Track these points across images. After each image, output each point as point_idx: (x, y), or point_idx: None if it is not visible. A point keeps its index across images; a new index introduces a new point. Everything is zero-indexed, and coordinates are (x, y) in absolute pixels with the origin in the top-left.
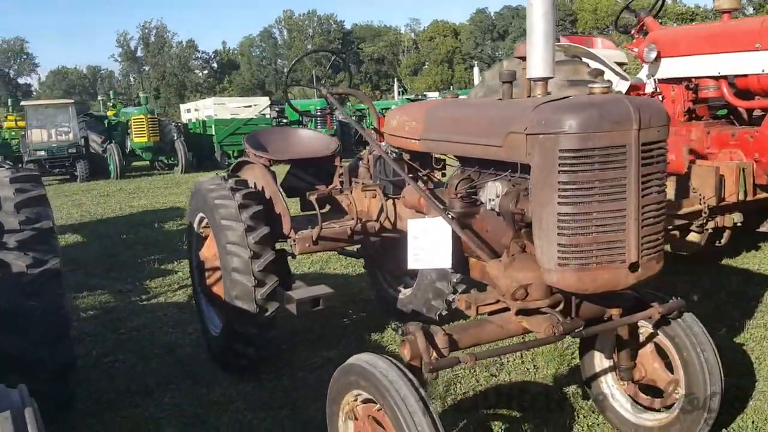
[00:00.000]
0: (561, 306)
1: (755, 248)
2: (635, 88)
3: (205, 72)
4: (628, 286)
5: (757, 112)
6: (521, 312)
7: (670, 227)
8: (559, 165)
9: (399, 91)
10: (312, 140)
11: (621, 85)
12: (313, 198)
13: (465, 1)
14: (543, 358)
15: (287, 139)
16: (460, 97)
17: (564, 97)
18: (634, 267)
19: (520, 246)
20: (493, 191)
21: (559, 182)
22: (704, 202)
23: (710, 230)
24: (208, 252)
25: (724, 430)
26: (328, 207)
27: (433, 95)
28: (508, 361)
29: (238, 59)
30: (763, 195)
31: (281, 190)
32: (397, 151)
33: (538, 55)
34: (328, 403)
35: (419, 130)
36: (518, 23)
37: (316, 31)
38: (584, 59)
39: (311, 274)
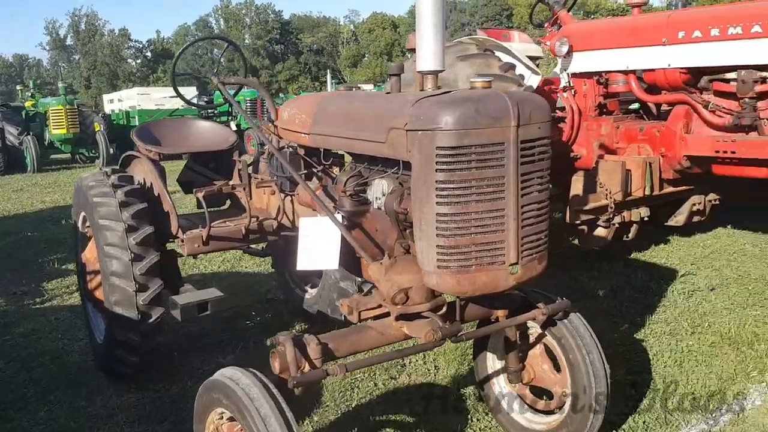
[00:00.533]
0: (444, 309)
1: (664, 242)
2: (550, 83)
3: (139, 61)
4: (509, 287)
5: (665, 107)
6: (402, 317)
7: (577, 222)
8: (436, 163)
9: (333, 83)
10: (209, 132)
11: (533, 80)
12: (200, 195)
13: None
14: (445, 358)
15: (181, 132)
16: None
17: (445, 92)
18: (514, 268)
19: (405, 247)
20: (379, 189)
21: (436, 181)
22: (610, 197)
23: (617, 225)
24: (90, 254)
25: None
26: (228, 204)
27: (368, 87)
28: (410, 362)
29: (173, 48)
30: (671, 189)
31: (179, 186)
32: (294, 145)
33: (427, 47)
34: (194, 421)
35: (308, 123)
36: (455, 16)
37: (254, 21)
38: (497, 53)
39: (221, 273)
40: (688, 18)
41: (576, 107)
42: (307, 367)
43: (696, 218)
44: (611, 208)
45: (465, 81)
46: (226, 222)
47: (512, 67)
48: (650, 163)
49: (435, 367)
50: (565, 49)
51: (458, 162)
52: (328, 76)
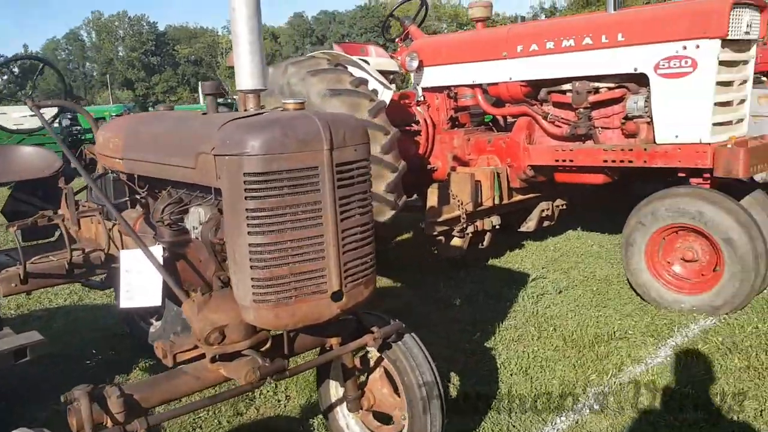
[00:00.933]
0: (268, 344)
1: (519, 247)
2: (406, 96)
3: (5, 78)
4: (333, 316)
5: (511, 119)
6: (220, 357)
7: (434, 233)
8: (245, 190)
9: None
10: (32, 158)
11: (385, 94)
12: (12, 229)
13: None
14: (296, 386)
15: (1, 159)
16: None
17: (254, 114)
18: (337, 296)
19: (224, 280)
20: (196, 218)
21: (247, 209)
22: (462, 208)
23: (471, 234)
24: None
25: None
26: (57, 234)
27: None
28: (259, 394)
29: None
30: (520, 197)
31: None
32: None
33: (244, 65)
34: None
35: (121, 147)
36: (335, 28)
37: (127, 33)
38: (350, 68)
39: (66, 307)
40: (526, 32)
41: (430, 120)
42: (109, 423)
43: (546, 223)
44: (464, 218)
45: (316, 96)
46: (49, 256)
47: (364, 82)
48: (498, 174)
49: (286, 396)
50: (415, 64)
51: (268, 188)
52: (199, 88)
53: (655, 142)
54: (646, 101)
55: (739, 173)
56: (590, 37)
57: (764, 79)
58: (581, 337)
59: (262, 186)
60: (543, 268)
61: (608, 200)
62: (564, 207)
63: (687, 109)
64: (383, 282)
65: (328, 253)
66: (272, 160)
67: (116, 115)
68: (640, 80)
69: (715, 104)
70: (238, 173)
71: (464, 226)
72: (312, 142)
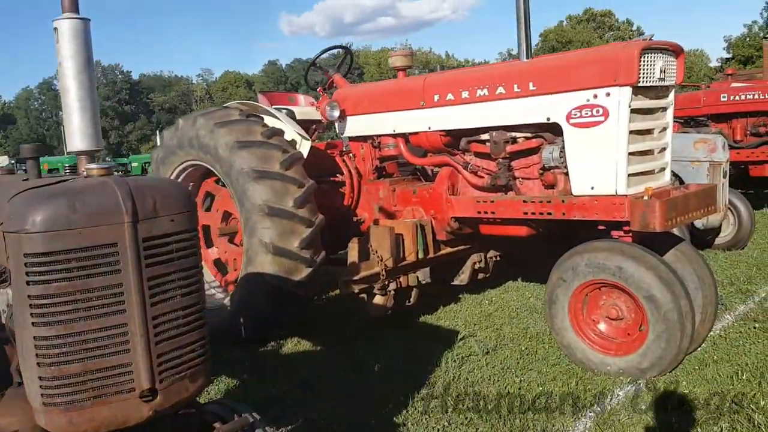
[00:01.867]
0: None
1: (453, 301)
2: (333, 146)
3: None
4: (145, 418)
5: (437, 169)
6: None
7: (355, 291)
8: (26, 273)
9: None
10: None
11: (304, 146)
12: None
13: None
14: None
15: None
16: None
17: (46, 184)
18: (149, 395)
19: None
20: (3, 301)
21: (29, 296)
22: (382, 264)
23: (393, 291)
24: None
25: None
26: None
27: None
28: None
29: (15, 112)
30: (448, 250)
31: None
32: None
33: (74, 123)
34: None
35: None
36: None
37: (101, 82)
38: (267, 118)
39: None
40: (441, 81)
41: (355, 171)
42: None
43: (481, 275)
44: (383, 275)
45: (224, 149)
46: None
47: (279, 132)
48: (422, 226)
49: None
50: (336, 113)
51: (53, 271)
52: (157, 137)
53: (572, 194)
54: (561, 151)
55: (656, 227)
56: (503, 86)
57: (710, 122)
58: (498, 408)
59: (44, 268)
60: (475, 324)
61: (553, 248)
62: (498, 258)
63: (601, 160)
64: (302, 346)
65: (134, 345)
66: (55, 237)
67: (69, 167)
68: (556, 130)
69: (631, 154)
70: (19, 253)
71: (385, 283)
72: (108, 215)
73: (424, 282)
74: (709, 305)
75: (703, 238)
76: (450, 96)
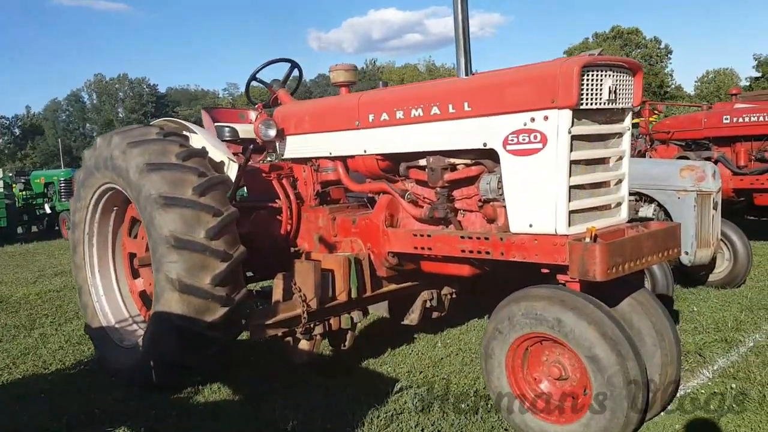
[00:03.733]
0: None
1: (404, 343)
2: (277, 168)
3: (6, 138)
4: None
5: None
6: None
7: (278, 334)
8: None
9: None
10: None
11: (231, 168)
12: None
13: (285, 69)
14: None
15: None
16: None
17: None
18: None
19: None
20: None
21: None
22: (304, 304)
23: (319, 336)
24: None
25: None
26: None
27: None
28: None
29: (43, 124)
30: (392, 286)
31: None
32: None
33: None
34: None
35: None
36: (333, 91)
37: (128, 95)
38: (193, 137)
39: None
40: (377, 99)
41: (294, 196)
42: None
43: (435, 314)
44: (304, 317)
45: (135, 172)
46: None
47: (199, 154)
48: (356, 261)
49: None
50: (272, 132)
51: None
52: None
53: (510, 231)
54: (499, 182)
55: (596, 275)
56: (437, 106)
57: (712, 146)
58: None
59: None
60: (420, 372)
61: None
62: (453, 295)
63: (539, 193)
64: (219, 394)
65: None
66: None
67: (64, 180)
68: (495, 157)
69: (575, 187)
70: None
71: (309, 326)
72: None
73: (357, 323)
74: (669, 365)
75: (695, 275)
76: (385, 116)
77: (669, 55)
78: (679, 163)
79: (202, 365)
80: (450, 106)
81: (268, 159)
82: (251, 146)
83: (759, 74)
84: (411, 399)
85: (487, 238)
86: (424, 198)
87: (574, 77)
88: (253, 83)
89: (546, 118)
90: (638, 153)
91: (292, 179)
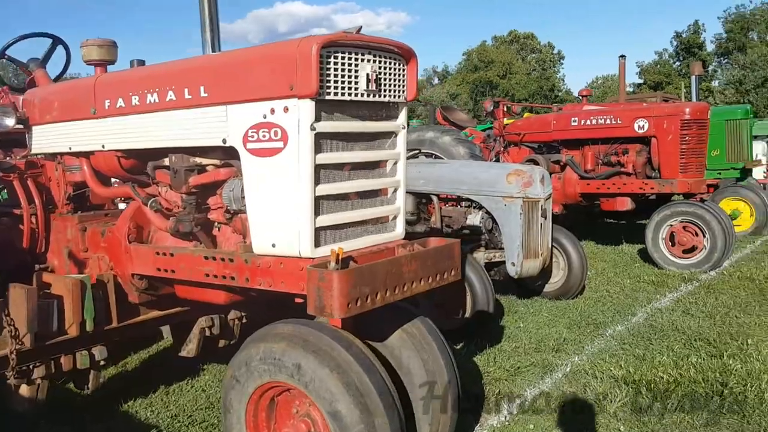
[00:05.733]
0: None
1: (190, 376)
2: (33, 165)
3: None
4: None
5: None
6: None
7: None
8: None
9: None
10: None
11: None
12: None
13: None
14: None
15: None
16: None
17: None
18: None
19: None
20: None
21: None
22: (16, 341)
23: (40, 379)
24: None
25: None
26: None
27: None
28: None
29: None
30: (154, 314)
31: None
32: None
33: None
34: None
35: None
36: None
37: None
38: None
39: None
40: (114, 80)
41: (38, 201)
42: None
43: (222, 342)
44: (13, 359)
45: None
46: None
47: None
48: (97, 284)
49: None
50: (9, 121)
51: None
52: None
53: (253, 252)
54: (243, 189)
55: (333, 310)
56: (173, 90)
57: (562, 148)
58: None
59: None
60: (189, 417)
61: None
62: (244, 320)
63: (281, 205)
64: None
65: None
66: None
67: None
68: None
69: (325, 198)
70: None
71: (26, 368)
72: None
73: (101, 361)
74: (442, 413)
75: (532, 285)
76: (121, 102)
77: (561, 61)
78: (508, 167)
79: None
80: (186, 91)
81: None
82: None
83: (641, 81)
84: None
85: (231, 260)
86: (176, 205)
87: (312, 59)
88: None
89: (286, 109)
90: (495, 155)
91: (43, 180)
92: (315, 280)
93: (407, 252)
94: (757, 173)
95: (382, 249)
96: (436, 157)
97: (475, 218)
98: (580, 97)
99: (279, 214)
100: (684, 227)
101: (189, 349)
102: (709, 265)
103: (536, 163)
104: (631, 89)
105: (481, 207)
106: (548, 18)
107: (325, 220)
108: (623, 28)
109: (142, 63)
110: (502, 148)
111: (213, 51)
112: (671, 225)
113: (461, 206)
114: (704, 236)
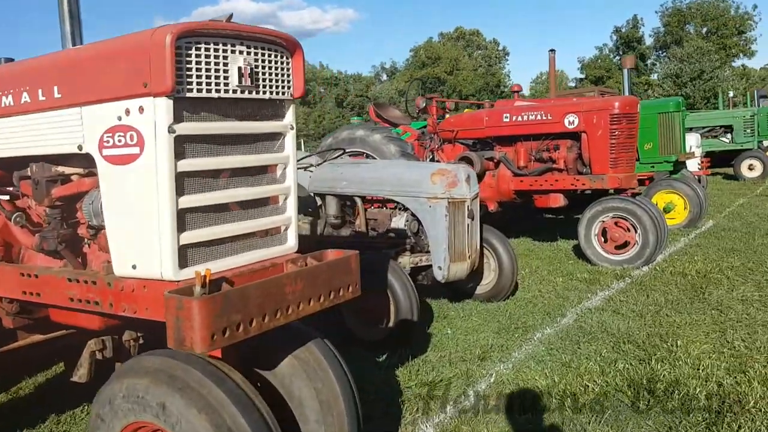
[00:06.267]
0: None
1: (88, 399)
2: None
3: None
4: None
5: None
6: None
7: None
8: None
9: None
10: None
11: None
12: None
13: None
14: None
15: None
16: None
17: None
18: None
19: None
20: None
21: None
22: None
23: None
24: None
25: None
26: None
27: None
28: None
29: None
30: (36, 338)
31: None
32: None
33: None
34: None
35: None
36: None
37: None
38: None
39: None
40: None
41: None
42: None
43: (118, 365)
44: None
45: None
46: None
47: None
48: None
49: None
50: None
51: None
52: None
53: (115, 274)
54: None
55: (194, 345)
56: (27, 91)
57: (495, 145)
58: None
59: None
60: None
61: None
62: (141, 340)
63: (140, 220)
64: None
65: None
66: None
67: None
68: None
69: (191, 211)
70: None
71: None
72: None
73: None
74: None
75: (464, 287)
76: None
77: (507, 57)
78: (433, 166)
79: None
80: (40, 92)
81: None
82: None
83: (583, 76)
84: None
85: (94, 283)
86: (42, 221)
87: (167, 51)
88: None
89: (141, 109)
90: (431, 153)
91: None
92: (173, 309)
93: (295, 269)
94: (692, 165)
95: (267, 266)
96: (368, 155)
97: (399, 221)
98: (513, 92)
99: (138, 231)
100: (616, 223)
101: (80, 374)
102: (642, 261)
103: (470, 160)
104: (573, 84)
105: (406, 209)
106: (492, 13)
107: (191, 236)
108: (564, 24)
109: (10, 61)
110: (437, 146)
111: (74, 45)
112: (603, 221)
113: (387, 208)
114: (636, 232)
